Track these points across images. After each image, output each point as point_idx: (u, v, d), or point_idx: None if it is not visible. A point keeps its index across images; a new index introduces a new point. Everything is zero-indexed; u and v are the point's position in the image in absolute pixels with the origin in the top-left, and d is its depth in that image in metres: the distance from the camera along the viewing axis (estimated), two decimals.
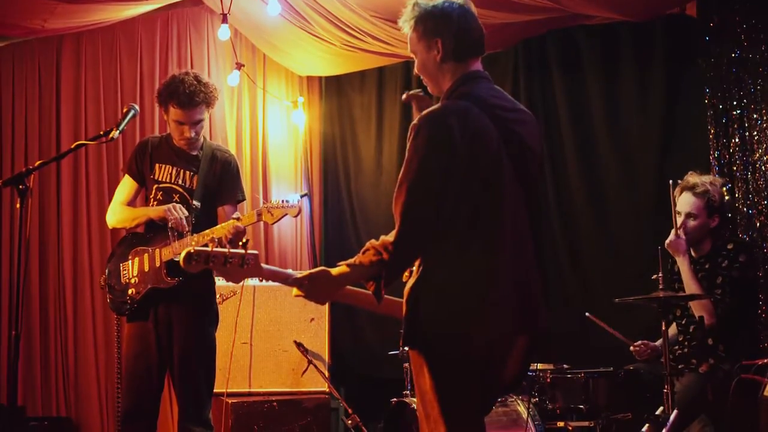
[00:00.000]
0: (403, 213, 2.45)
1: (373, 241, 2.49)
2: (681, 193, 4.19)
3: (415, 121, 2.53)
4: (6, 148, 6.08)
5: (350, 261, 2.51)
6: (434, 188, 2.45)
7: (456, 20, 2.62)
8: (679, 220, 4.15)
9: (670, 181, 4.23)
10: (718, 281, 4.05)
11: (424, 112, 2.55)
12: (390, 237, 2.46)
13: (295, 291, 2.57)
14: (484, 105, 2.55)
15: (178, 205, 3.88)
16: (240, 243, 2.50)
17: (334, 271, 2.53)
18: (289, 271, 2.63)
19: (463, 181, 2.46)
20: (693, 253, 4.23)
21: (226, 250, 2.48)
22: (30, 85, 6.11)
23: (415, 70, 2.76)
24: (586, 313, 4.45)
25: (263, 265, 2.55)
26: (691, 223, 4.14)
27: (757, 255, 4.57)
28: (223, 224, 3.83)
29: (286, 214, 3.76)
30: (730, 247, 4.11)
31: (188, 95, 3.86)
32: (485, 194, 2.49)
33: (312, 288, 2.55)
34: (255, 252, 2.52)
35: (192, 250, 2.44)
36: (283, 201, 3.79)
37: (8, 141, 6.08)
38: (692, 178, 4.19)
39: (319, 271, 2.55)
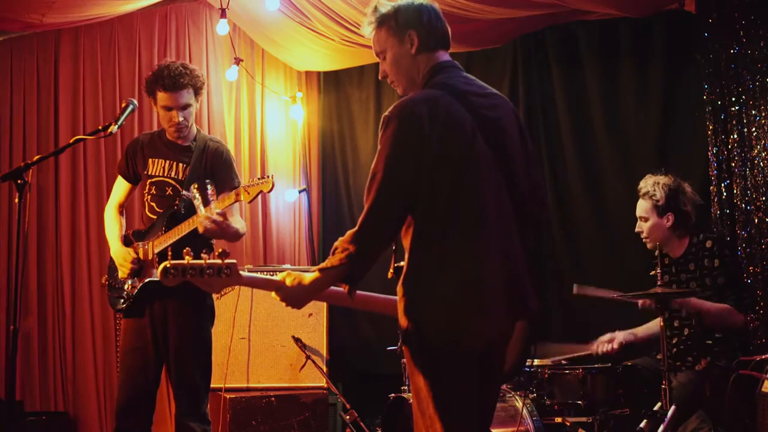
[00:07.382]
0: (370, 204, 2.48)
1: (340, 238, 2.51)
2: None
3: (386, 113, 2.54)
4: (4, 142, 6.07)
5: (322, 265, 2.52)
6: (405, 179, 2.46)
7: (425, 13, 2.70)
8: (638, 224, 4.32)
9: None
10: (719, 282, 4.07)
11: (395, 103, 2.57)
12: (355, 229, 2.47)
13: (273, 294, 2.59)
14: (457, 92, 2.57)
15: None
16: (217, 252, 2.50)
17: (307, 278, 2.54)
18: (269, 276, 2.63)
19: (436, 169, 2.46)
20: (669, 254, 4.28)
21: (203, 261, 2.48)
22: (28, 79, 6.10)
23: (381, 75, 2.77)
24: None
25: (242, 273, 2.55)
26: (644, 225, 4.29)
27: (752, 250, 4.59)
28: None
29: (261, 191, 3.69)
30: (708, 244, 4.16)
31: (173, 78, 3.89)
32: (463, 183, 2.48)
33: (287, 294, 2.57)
34: (233, 261, 2.51)
35: (168, 264, 2.45)
36: (256, 178, 3.74)
37: (6, 136, 6.08)
38: (642, 182, 4.32)
39: (294, 278, 2.56)
